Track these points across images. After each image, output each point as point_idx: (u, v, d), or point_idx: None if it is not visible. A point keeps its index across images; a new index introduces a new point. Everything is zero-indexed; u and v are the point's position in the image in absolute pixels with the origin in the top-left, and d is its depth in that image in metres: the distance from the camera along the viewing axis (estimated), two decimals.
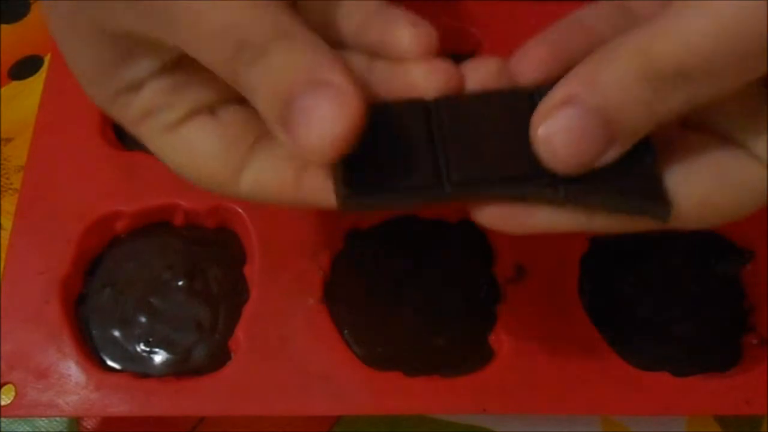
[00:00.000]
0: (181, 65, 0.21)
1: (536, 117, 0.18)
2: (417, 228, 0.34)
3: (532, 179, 0.19)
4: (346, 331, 0.31)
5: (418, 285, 0.33)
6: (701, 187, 0.19)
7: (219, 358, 0.31)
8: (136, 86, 0.21)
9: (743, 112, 0.20)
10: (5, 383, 0.29)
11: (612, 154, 0.18)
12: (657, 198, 0.19)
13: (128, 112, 0.21)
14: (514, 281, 0.32)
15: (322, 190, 0.21)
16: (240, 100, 0.22)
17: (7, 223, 0.34)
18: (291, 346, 0.30)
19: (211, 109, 0.22)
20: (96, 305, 0.32)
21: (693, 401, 0.30)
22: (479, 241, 0.33)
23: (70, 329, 0.30)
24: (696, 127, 0.21)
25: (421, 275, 0.33)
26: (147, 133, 0.22)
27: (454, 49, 0.37)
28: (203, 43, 0.18)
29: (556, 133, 0.17)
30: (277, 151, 0.21)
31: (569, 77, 0.18)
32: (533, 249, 0.32)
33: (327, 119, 0.17)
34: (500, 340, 0.31)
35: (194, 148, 0.21)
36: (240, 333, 0.31)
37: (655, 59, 0.16)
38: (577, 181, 0.19)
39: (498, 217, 0.20)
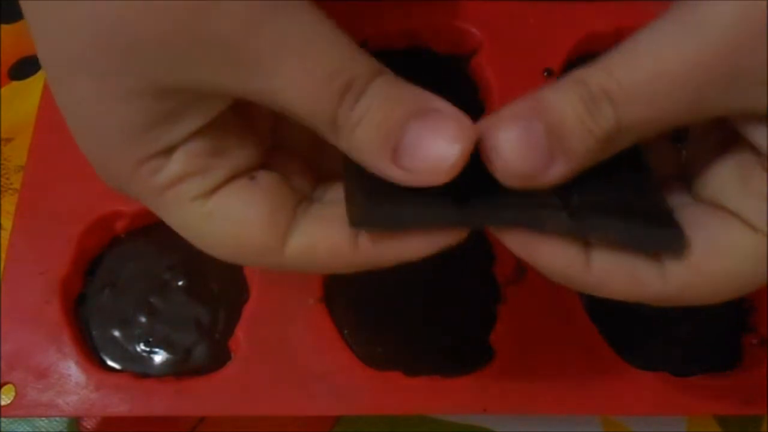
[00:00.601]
0: (219, 127, 0.20)
1: (485, 126, 0.19)
2: None
3: (545, 207, 0.19)
4: (346, 331, 0.31)
5: (418, 285, 0.33)
6: (695, 255, 0.20)
7: (219, 358, 0.31)
8: (170, 149, 0.19)
9: (735, 179, 0.20)
10: (5, 383, 0.29)
11: (559, 170, 0.18)
12: (669, 227, 0.20)
13: (154, 180, 0.19)
14: (514, 281, 0.32)
15: (383, 247, 0.20)
16: (272, 166, 0.21)
17: (7, 223, 0.34)
18: (291, 346, 0.30)
19: (249, 174, 0.21)
20: (96, 305, 0.32)
21: (693, 401, 0.30)
22: (479, 241, 0.33)
23: (70, 329, 0.30)
24: (689, 197, 0.22)
25: (421, 275, 0.33)
26: (173, 201, 0.20)
27: (454, 49, 0.37)
28: (308, 91, 0.18)
29: (503, 140, 0.18)
30: (325, 213, 0.21)
31: (518, 100, 0.19)
32: None
33: (445, 142, 0.18)
34: (500, 340, 0.31)
35: (234, 214, 0.20)
36: (240, 333, 0.31)
37: (589, 84, 0.18)
38: (588, 211, 0.19)
39: (514, 242, 0.20)
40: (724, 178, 0.20)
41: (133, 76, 0.18)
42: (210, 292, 0.32)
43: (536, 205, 0.19)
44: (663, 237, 0.20)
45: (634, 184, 0.20)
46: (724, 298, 0.21)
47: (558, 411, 0.30)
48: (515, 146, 0.18)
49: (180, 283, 0.33)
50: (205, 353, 0.31)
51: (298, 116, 0.19)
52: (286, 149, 0.22)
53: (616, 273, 0.20)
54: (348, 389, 0.29)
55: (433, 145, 0.18)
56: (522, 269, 0.32)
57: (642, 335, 0.32)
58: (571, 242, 0.20)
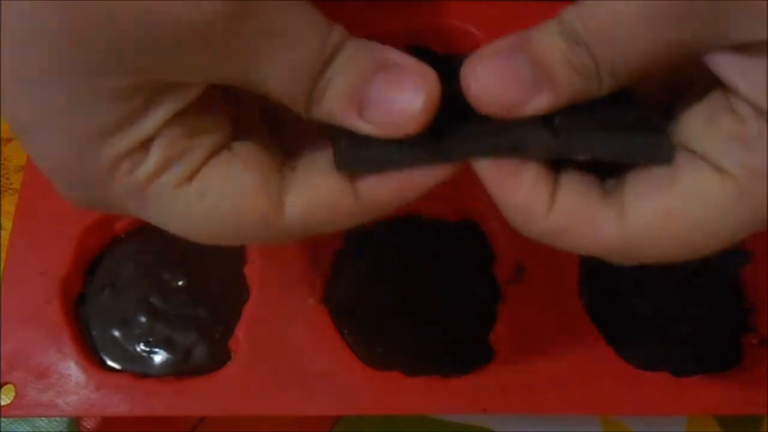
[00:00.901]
0: (191, 107, 0.19)
1: (468, 62, 0.19)
2: (417, 228, 0.34)
3: (526, 129, 0.19)
4: (346, 331, 0.31)
5: (418, 285, 0.33)
6: (660, 202, 0.19)
7: (219, 358, 0.31)
8: (148, 140, 0.18)
9: (702, 120, 0.20)
10: (5, 383, 0.29)
11: (544, 100, 0.18)
12: (656, 135, 0.19)
13: (135, 176, 0.19)
14: (514, 281, 0.32)
15: (382, 189, 0.20)
16: (245, 136, 0.21)
17: (7, 223, 0.34)
18: (291, 346, 0.30)
19: (227, 147, 0.20)
20: (96, 305, 0.32)
21: (693, 401, 0.30)
22: (479, 241, 0.33)
23: (70, 329, 0.30)
24: None
25: (420, 275, 0.33)
26: (158, 194, 0.19)
27: (454, 49, 0.37)
28: (292, 76, 0.18)
29: (486, 72, 0.18)
30: (314, 170, 0.20)
31: (502, 37, 0.19)
32: (533, 249, 0.32)
33: (407, 94, 0.18)
34: (500, 340, 0.31)
35: (225, 188, 0.19)
36: (240, 333, 0.31)
37: (565, 23, 0.18)
38: (572, 128, 0.19)
39: (486, 173, 0.20)
40: (693, 120, 0.20)
41: (115, 76, 0.17)
42: (210, 292, 0.32)
43: (517, 128, 0.19)
44: (650, 145, 0.19)
45: (618, 106, 0.20)
46: (687, 251, 0.20)
47: (558, 411, 0.30)
48: (499, 76, 0.18)
49: (180, 283, 0.33)
50: (205, 353, 0.31)
51: (275, 96, 0.19)
52: (246, 121, 0.22)
53: (576, 217, 0.20)
54: (348, 389, 0.29)
55: (396, 98, 0.18)
56: (522, 269, 0.32)
57: (642, 335, 0.32)
58: (541, 181, 0.20)
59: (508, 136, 0.19)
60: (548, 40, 0.18)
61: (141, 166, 0.19)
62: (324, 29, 0.18)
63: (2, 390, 0.29)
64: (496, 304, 0.32)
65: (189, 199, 0.19)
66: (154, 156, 0.19)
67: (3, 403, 0.29)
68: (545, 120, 0.19)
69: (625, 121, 0.20)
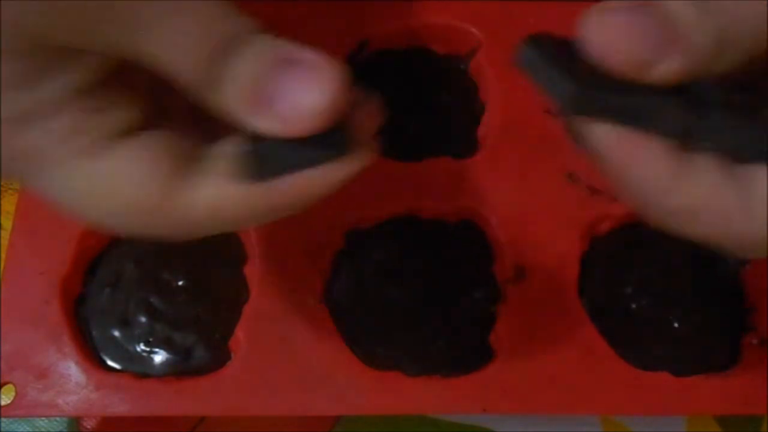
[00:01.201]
0: (97, 85, 0.19)
1: (592, 12, 0.17)
2: (417, 228, 0.34)
3: (658, 96, 0.18)
4: (346, 331, 0.31)
5: (417, 285, 0.33)
6: None
7: (219, 358, 0.31)
8: (43, 107, 0.18)
9: None
10: (5, 383, 0.29)
11: (673, 64, 0.17)
12: None
13: (27, 139, 0.18)
14: (514, 281, 0.32)
15: (295, 191, 0.19)
16: (156, 126, 0.20)
17: (7, 223, 0.34)
18: (291, 346, 0.30)
19: (131, 134, 0.19)
20: (96, 305, 0.32)
21: (693, 401, 0.30)
22: (479, 241, 0.33)
23: (70, 329, 0.30)
24: None
25: (421, 275, 0.33)
26: (50, 164, 0.19)
27: (454, 49, 0.37)
28: (183, 52, 0.18)
29: (614, 23, 0.17)
30: (225, 164, 0.20)
31: None
32: (533, 249, 0.32)
33: (308, 91, 0.18)
34: (500, 340, 0.31)
35: (120, 172, 0.19)
36: (240, 333, 0.31)
37: None
38: (706, 110, 0.18)
39: (620, 137, 0.18)
40: None
41: (5, 36, 0.17)
42: (210, 292, 0.32)
43: (650, 94, 0.18)
44: None
45: (743, 104, 0.19)
46: None
47: (558, 411, 0.30)
48: (627, 28, 0.17)
49: (180, 283, 0.33)
50: (205, 353, 0.31)
51: (173, 77, 0.18)
52: (169, 108, 0.21)
53: (708, 201, 0.18)
54: (348, 389, 0.29)
55: (297, 94, 0.18)
56: (522, 269, 0.32)
57: (642, 335, 0.32)
58: (676, 156, 0.18)
59: (637, 100, 0.18)
60: (679, 2, 0.17)
61: (33, 130, 0.18)
62: (230, 13, 0.18)
63: (2, 390, 0.29)
64: (496, 304, 0.32)
65: (78, 176, 0.19)
66: (50, 124, 0.18)
67: (3, 403, 0.29)
68: (673, 94, 0.18)
69: (753, 118, 0.18)
